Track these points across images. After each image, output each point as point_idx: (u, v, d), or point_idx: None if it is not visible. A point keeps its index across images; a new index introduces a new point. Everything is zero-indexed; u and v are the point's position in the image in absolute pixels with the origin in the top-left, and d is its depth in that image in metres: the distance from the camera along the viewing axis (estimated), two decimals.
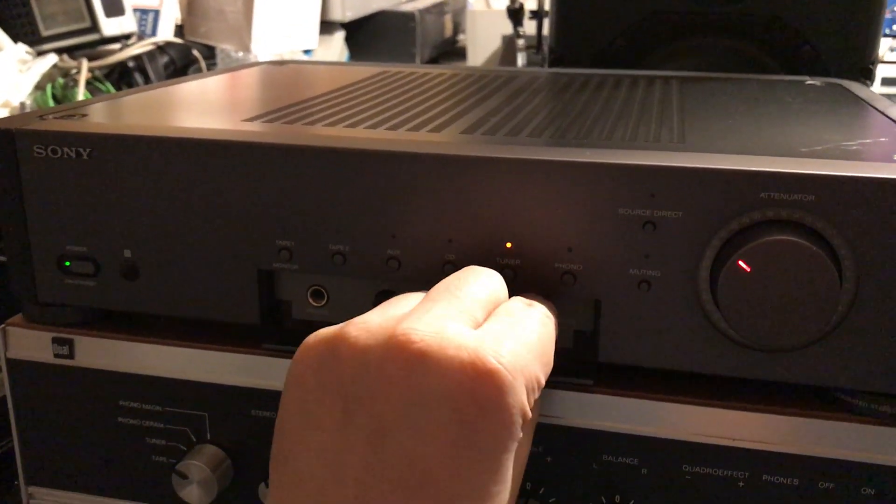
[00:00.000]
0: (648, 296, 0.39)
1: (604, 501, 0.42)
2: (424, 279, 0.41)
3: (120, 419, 0.48)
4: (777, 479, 0.40)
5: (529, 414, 0.32)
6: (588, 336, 0.42)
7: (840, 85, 0.63)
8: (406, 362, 0.30)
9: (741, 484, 0.40)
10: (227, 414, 0.46)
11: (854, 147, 0.41)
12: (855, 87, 0.62)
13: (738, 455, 0.40)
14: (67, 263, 0.46)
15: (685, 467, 0.41)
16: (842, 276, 0.36)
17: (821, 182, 0.36)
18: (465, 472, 0.30)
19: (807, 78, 0.67)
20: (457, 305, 0.34)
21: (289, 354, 0.43)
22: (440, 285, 0.35)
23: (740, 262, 0.36)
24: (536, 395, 0.33)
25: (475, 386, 0.30)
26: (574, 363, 0.42)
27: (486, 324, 0.34)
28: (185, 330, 0.47)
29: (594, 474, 0.42)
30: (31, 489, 0.50)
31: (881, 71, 1.90)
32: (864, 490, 0.39)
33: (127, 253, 0.45)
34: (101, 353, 0.47)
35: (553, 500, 0.43)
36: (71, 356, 0.47)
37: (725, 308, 0.37)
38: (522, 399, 0.31)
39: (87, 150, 0.43)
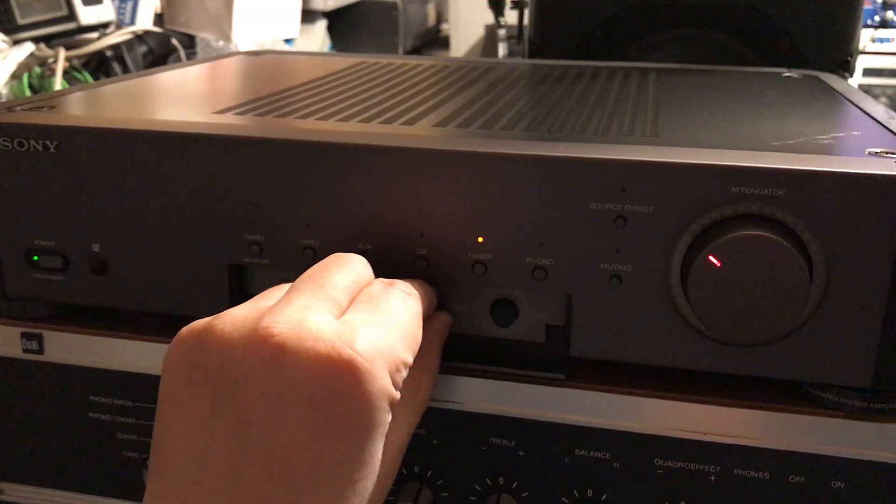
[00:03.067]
0: (620, 290, 0.39)
1: (576, 495, 0.42)
2: (394, 274, 0.41)
3: (90, 414, 0.47)
4: (748, 473, 0.40)
5: (396, 395, 0.33)
6: (560, 330, 0.42)
7: (817, 77, 0.63)
8: (266, 355, 0.31)
9: (712, 478, 0.40)
10: None
11: (827, 141, 0.41)
12: (832, 79, 0.62)
13: (709, 449, 0.40)
14: (35, 258, 0.45)
15: (657, 461, 0.41)
16: (812, 272, 0.36)
17: (791, 176, 0.36)
18: (327, 460, 0.31)
19: (784, 70, 0.67)
20: (319, 295, 0.34)
21: None
22: (305, 275, 0.36)
23: (710, 257, 0.36)
24: (403, 374, 0.34)
25: (332, 376, 0.31)
26: (546, 357, 0.42)
27: (348, 311, 0.35)
28: (156, 324, 0.46)
29: (566, 468, 0.42)
30: (1, 485, 0.50)
31: (863, 61, 1.91)
32: (835, 483, 0.39)
33: (95, 247, 0.44)
34: (70, 347, 0.46)
35: (525, 494, 0.43)
36: (40, 351, 0.47)
37: (696, 303, 0.37)
38: (383, 384, 0.32)
39: (54, 143, 0.43)
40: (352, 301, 0.36)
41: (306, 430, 0.31)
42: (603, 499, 0.42)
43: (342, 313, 0.34)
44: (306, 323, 0.32)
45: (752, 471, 0.40)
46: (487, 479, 0.43)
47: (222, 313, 0.34)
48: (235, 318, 0.33)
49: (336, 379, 0.31)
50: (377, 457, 0.33)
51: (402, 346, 0.34)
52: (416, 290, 0.38)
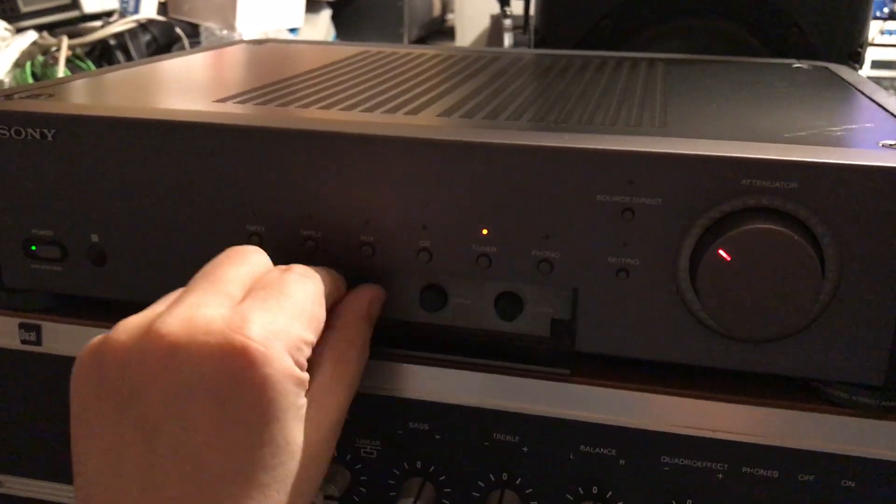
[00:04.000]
0: (627, 284, 0.38)
1: (581, 492, 0.42)
2: (398, 266, 0.40)
3: None
4: (757, 472, 0.39)
5: (301, 375, 0.33)
6: (565, 325, 0.41)
7: (827, 68, 0.62)
8: (161, 356, 0.32)
9: (720, 476, 0.40)
10: None
11: (839, 133, 0.40)
12: (843, 70, 0.61)
13: (717, 447, 0.39)
14: (34, 248, 0.44)
15: (663, 458, 0.40)
16: (824, 266, 0.35)
17: (803, 169, 0.35)
18: (237, 450, 0.32)
19: (794, 61, 0.66)
20: (210, 291, 0.34)
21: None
22: (198, 273, 0.36)
23: (720, 251, 0.35)
24: (305, 352, 0.34)
25: (227, 366, 0.31)
26: (551, 352, 0.41)
27: (244, 301, 0.34)
28: None
29: (571, 465, 0.41)
30: (0, 477, 0.49)
31: (871, 54, 1.89)
32: (845, 482, 0.39)
33: (94, 237, 0.44)
34: (69, 339, 0.46)
35: (529, 490, 0.42)
36: (38, 342, 0.46)
37: (705, 297, 0.36)
38: (282, 365, 0.32)
39: (52, 131, 0.42)
40: (247, 292, 0.35)
41: (211, 424, 0.31)
42: (608, 496, 0.41)
43: (237, 304, 0.34)
44: (196, 319, 0.32)
45: (761, 469, 0.39)
46: (491, 475, 0.42)
47: (117, 324, 0.34)
48: (128, 326, 0.34)
49: (232, 367, 0.31)
50: (295, 439, 0.33)
51: (299, 326, 0.34)
52: (316, 271, 0.38)
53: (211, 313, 0.33)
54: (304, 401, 0.34)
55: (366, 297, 0.41)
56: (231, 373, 0.31)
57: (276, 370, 0.32)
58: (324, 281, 0.38)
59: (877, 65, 1.93)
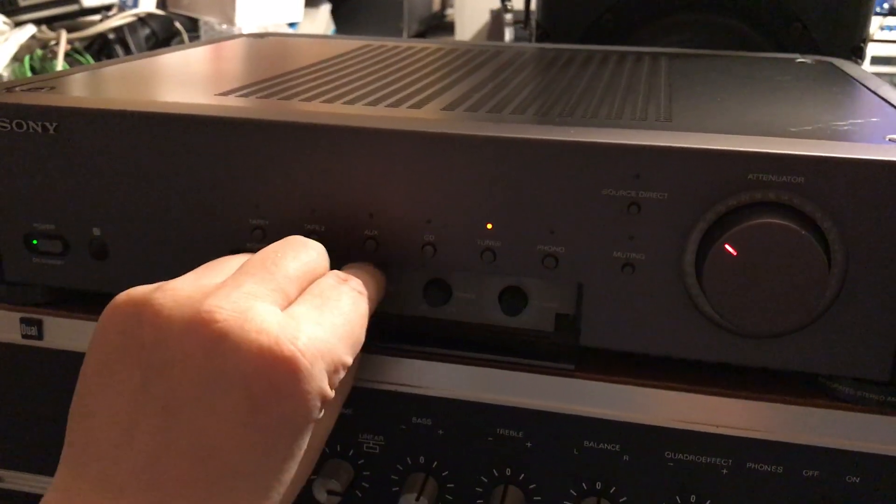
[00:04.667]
0: (632, 279, 0.38)
1: (584, 488, 0.41)
2: (402, 260, 0.40)
3: None
4: (761, 467, 0.39)
5: (330, 395, 0.33)
6: (570, 320, 0.41)
7: (831, 63, 0.62)
8: (206, 340, 0.31)
9: (724, 471, 0.40)
10: None
11: (845, 127, 0.40)
12: (846, 65, 0.61)
13: (721, 442, 0.39)
14: (35, 242, 0.44)
15: (667, 454, 0.40)
16: (830, 261, 0.35)
17: (810, 163, 0.35)
18: (254, 452, 0.31)
19: (797, 56, 0.65)
20: (268, 282, 0.33)
21: None
22: (256, 257, 0.35)
23: (727, 246, 0.35)
24: (341, 375, 0.34)
25: (271, 371, 0.31)
26: (555, 347, 0.41)
27: (295, 303, 0.34)
28: None
29: (575, 460, 0.41)
30: (1, 472, 0.49)
31: (871, 49, 1.88)
32: (849, 478, 0.39)
33: (96, 231, 0.43)
34: (70, 333, 0.45)
35: (532, 486, 0.42)
36: (40, 337, 0.46)
37: (711, 292, 0.36)
38: (321, 384, 0.32)
39: (54, 124, 0.42)
40: (301, 291, 0.35)
41: (238, 420, 0.31)
42: (612, 491, 0.41)
43: (289, 304, 0.34)
44: (251, 312, 0.31)
45: (765, 464, 0.39)
46: (494, 471, 0.42)
47: (163, 284, 0.33)
48: (178, 294, 0.32)
49: (275, 374, 0.31)
50: (303, 451, 0.33)
51: (343, 348, 0.34)
52: (369, 287, 0.38)
53: (266, 311, 0.32)
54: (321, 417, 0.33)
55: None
56: (273, 378, 0.31)
57: (313, 388, 0.31)
58: (374, 296, 0.38)
59: (876, 61, 1.93)
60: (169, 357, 0.31)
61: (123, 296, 0.33)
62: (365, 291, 0.37)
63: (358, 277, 0.38)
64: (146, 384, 0.31)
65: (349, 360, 0.34)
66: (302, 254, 0.36)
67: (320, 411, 0.32)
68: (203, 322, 0.31)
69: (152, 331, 0.32)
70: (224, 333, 0.31)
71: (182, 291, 0.32)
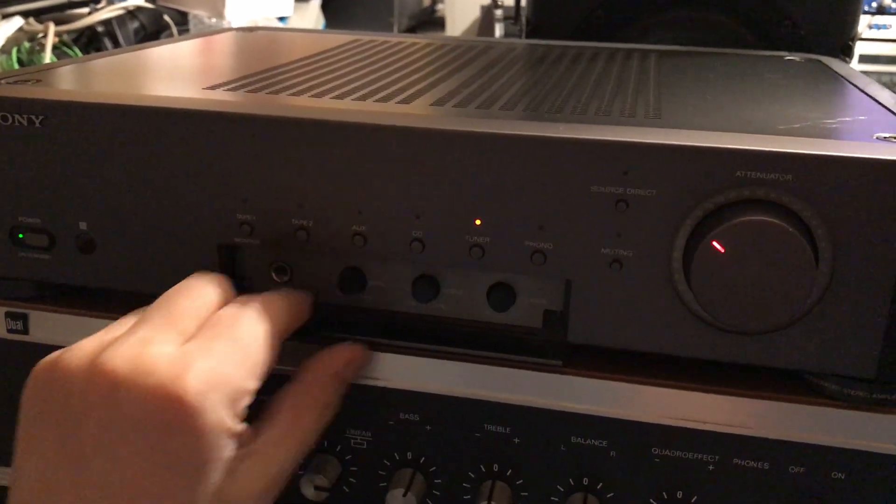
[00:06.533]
0: (620, 276, 0.38)
1: (571, 484, 0.42)
2: (391, 256, 0.40)
3: None
4: (747, 463, 0.39)
5: (235, 427, 0.34)
6: (558, 316, 0.41)
7: (820, 61, 0.62)
8: (103, 390, 0.32)
9: (711, 467, 0.40)
10: None
11: (833, 125, 0.40)
12: (835, 63, 0.61)
13: (708, 438, 0.39)
14: (21, 235, 0.44)
15: (654, 450, 0.40)
16: (817, 259, 0.35)
17: (798, 161, 0.35)
18: (162, 493, 0.32)
19: (786, 53, 0.65)
20: (162, 325, 0.35)
21: None
22: (155, 303, 0.37)
23: (714, 243, 0.35)
24: (244, 402, 0.34)
25: (162, 411, 0.32)
26: (543, 343, 0.41)
27: (193, 339, 0.35)
28: (144, 305, 0.45)
29: (562, 456, 0.41)
30: None
31: (860, 48, 1.89)
32: (835, 474, 0.39)
33: (83, 225, 0.43)
34: (56, 328, 0.45)
35: (520, 482, 0.42)
36: (25, 331, 0.46)
37: (698, 289, 0.36)
38: (216, 417, 0.33)
39: (40, 117, 0.42)
40: (199, 328, 0.36)
41: (143, 465, 0.32)
42: (599, 487, 0.41)
43: (188, 339, 0.35)
44: (141, 357, 0.33)
45: (752, 461, 0.39)
46: (481, 466, 0.42)
47: (74, 345, 0.35)
48: (82, 351, 0.34)
49: (167, 415, 0.32)
50: (223, 489, 0.33)
51: (242, 374, 0.34)
52: (274, 305, 0.38)
53: (156, 353, 0.33)
54: (235, 452, 0.34)
55: (342, 357, 0.40)
56: (166, 419, 0.32)
57: (208, 422, 0.32)
58: (281, 316, 0.38)
59: (864, 59, 1.93)
60: (76, 413, 0.33)
61: (40, 363, 0.35)
62: (268, 311, 0.37)
63: (264, 299, 0.38)
64: (63, 442, 0.33)
65: (251, 384, 0.35)
66: (197, 291, 0.37)
67: (227, 446, 0.33)
68: (99, 374, 0.32)
69: (61, 391, 0.33)
70: (118, 382, 0.32)
71: (84, 349, 0.34)
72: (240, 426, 0.34)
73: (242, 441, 0.35)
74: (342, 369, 0.40)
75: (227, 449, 0.33)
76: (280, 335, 0.37)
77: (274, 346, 0.37)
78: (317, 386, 0.39)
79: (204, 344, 0.34)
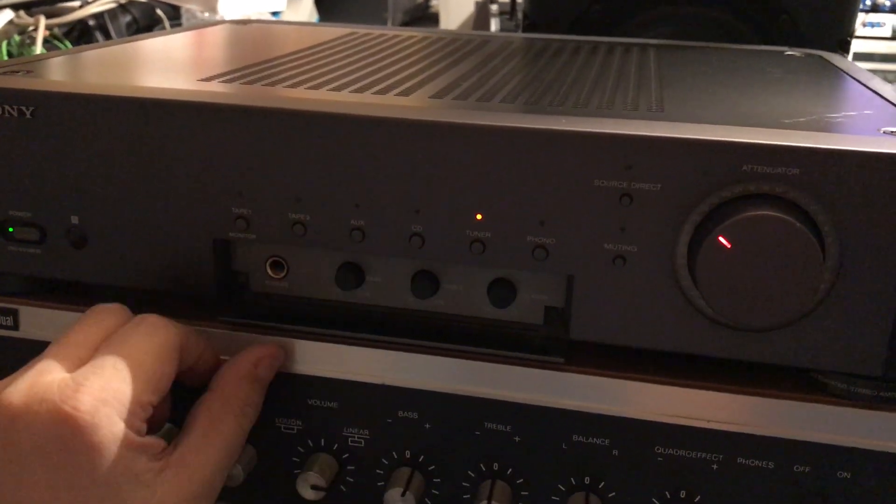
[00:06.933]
0: (623, 271, 0.37)
1: (573, 483, 0.41)
2: (389, 251, 0.39)
3: None
4: (752, 462, 0.39)
5: (136, 439, 0.34)
6: (560, 312, 0.40)
7: (820, 56, 0.61)
8: (4, 422, 0.33)
9: (715, 466, 0.39)
10: (181, 390, 0.44)
11: (839, 119, 0.40)
12: (835, 58, 0.60)
13: (712, 437, 0.39)
14: (11, 229, 0.43)
15: (658, 449, 0.40)
16: (824, 254, 0.35)
17: (806, 155, 0.34)
18: None
19: (786, 48, 0.65)
20: (57, 354, 0.36)
21: (246, 328, 0.42)
22: (58, 338, 0.37)
23: (720, 238, 0.34)
24: (142, 414, 0.35)
25: (58, 434, 0.33)
26: (544, 340, 0.40)
27: (87, 364, 0.35)
28: (137, 301, 0.44)
29: (563, 455, 0.41)
30: None
31: (853, 45, 1.89)
32: (840, 473, 0.38)
33: (74, 219, 0.42)
34: (47, 324, 0.44)
35: (521, 480, 0.41)
36: (15, 327, 0.45)
37: (704, 285, 0.35)
38: (112, 431, 0.33)
39: (31, 108, 0.41)
40: (96, 350, 0.36)
41: (47, 489, 0.33)
42: (601, 486, 0.41)
43: (82, 365, 0.35)
44: (35, 388, 0.34)
45: (756, 460, 0.39)
46: (481, 465, 0.42)
47: None
48: None
49: (62, 436, 0.33)
50: (131, 501, 0.34)
51: (135, 387, 0.35)
52: (168, 320, 0.38)
53: (49, 380, 0.34)
54: (145, 465, 0.34)
55: (251, 358, 0.40)
56: (62, 441, 0.33)
57: (104, 437, 0.33)
58: (178, 333, 0.38)
59: (858, 57, 1.93)
60: None
61: None
62: (159, 327, 0.37)
63: (157, 316, 0.38)
64: None
65: (146, 397, 0.35)
66: (90, 318, 0.38)
67: (134, 459, 0.34)
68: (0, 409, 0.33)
69: None
70: (15, 414, 0.33)
71: None
72: (144, 438, 0.35)
73: (156, 453, 0.35)
74: (254, 370, 0.40)
75: (134, 461, 0.34)
76: (175, 347, 0.37)
77: (170, 360, 0.37)
78: (229, 390, 0.39)
79: (97, 363, 0.35)
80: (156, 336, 0.37)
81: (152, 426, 0.36)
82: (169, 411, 0.41)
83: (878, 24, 1.97)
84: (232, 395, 0.39)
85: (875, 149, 0.34)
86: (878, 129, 0.37)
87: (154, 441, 0.35)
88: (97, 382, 0.34)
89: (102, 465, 0.33)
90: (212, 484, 0.37)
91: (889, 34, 1.94)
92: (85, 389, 0.33)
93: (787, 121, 0.39)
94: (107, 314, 0.38)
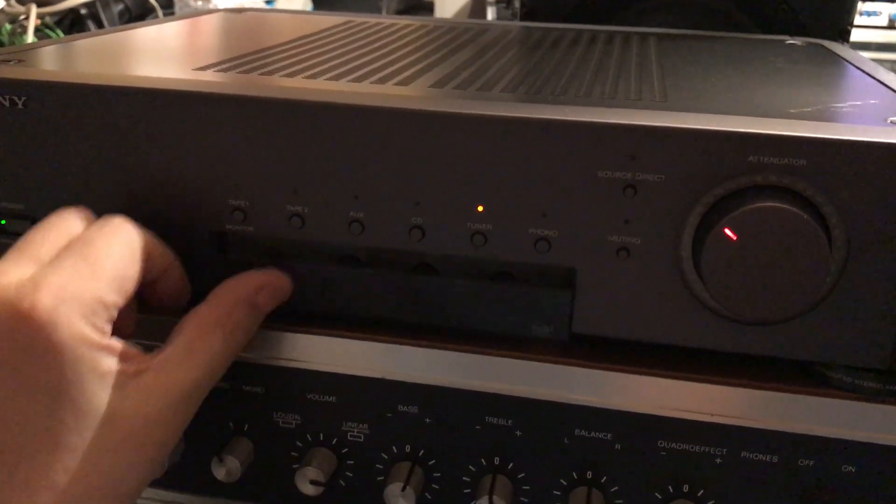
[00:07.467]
0: (627, 264, 0.37)
1: (575, 477, 0.40)
2: (389, 244, 0.39)
3: None
4: (756, 456, 0.38)
5: (98, 339, 0.33)
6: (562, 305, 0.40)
7: (822, 45, 0.61)
8: None
9: (718, 460, 0.39)
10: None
11: (845, 109, 0.39)
12: (837, 47, 0.60)
13: (715, 431, 0.38)
14: (3, 222, 0.42)
15: (660, 443, 0.39)
16: (831, 246, 0.34)
17: (813, 145, 0.34)
18: (34, 415, 0.32)
19: (787, 37, 0.64)
20: (15, 257, 0.34)
21: None
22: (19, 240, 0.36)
23: (726, 230, 0.34)
24: (104, 315, 0.33)
25: (16, 333, 0.31)
26: (546, 333, 0.40)
27: (47, 264, 0.34)
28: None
29: (566, 449, 0.40)
30: None
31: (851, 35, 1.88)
32: (845, 468, 0.38)
33: None
34: None
35: (522, 475, 0.41)
36: None
37: (709, 278, 0.35)
38: (74, 330, 0.32)
39: (22, 98, 0.40)
40: (59, 251, 0.35)
41: (7, 391, 0.32)
42: (603, 481, 0.40)
43: (42, 266, 0.34)
44: None
45: (760, 454, 0.38)
46: (482, 460, 0.41)
47: None
48: None
49: (20, 336, 0.31)
50: (100, 405, 0.33)
51: (97, 286, 0.33)
52: (140, 228, 0.37)
53: (6, 282, 0.32)
54: (112, 366, 0.33)
55: (254, 282, 0.39)
56: (21, 341, 0.31)
57: (64, 336, 0.32)
58: (144, 236, 0.37)
59: (855, 46, 1.92)
60: None
61: None
62: (125, 229, 0.36)
63: (123, 216, 0.37)
64: None
65: (109, 297, 0.34)
66: (51, 221, 0.36)
67: (97, 359, 0.32)
68: None
69: None
70: None
71: None
72: (110, 340, 0.33)
73: (126, 357, 0.34)
74: (254, 296, 0.38)
75: (98, 361, 0.33)
76: (141, 249, 0.36)
77: (135, 262, 0.36)
78: (224, 308, 0.37)
79: (58, 262, 0.34)
80: (120, 236, 0.36)
81: (123, 333, 0.35)
82: (133, 325, 0.39)
83: (875, 13, 1.97)
84: (225, 315, 0.37)
85: (883, 139, 0.34)
86: (886, 119, 0.37)
87: (121, 344, 0.34)
88: (56, 281, 0.32)
89: (63, 365, 0.32)
90: (189, 399, 0.36)
91: (886, 23, 1.94)
92: (43, 287, 0.32)
93: (792, 111, 0.38)
94: (69, 216, 0.37)
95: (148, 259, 0.37)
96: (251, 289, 0.39)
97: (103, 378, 0.33)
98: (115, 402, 0.33)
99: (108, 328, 0.34)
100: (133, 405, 0.33)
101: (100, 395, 0.33)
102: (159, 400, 0.34)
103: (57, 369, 0.32)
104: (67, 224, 0.36)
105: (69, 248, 0.35)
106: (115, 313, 0.34)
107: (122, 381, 0.33)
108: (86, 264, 0.34)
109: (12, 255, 0.35)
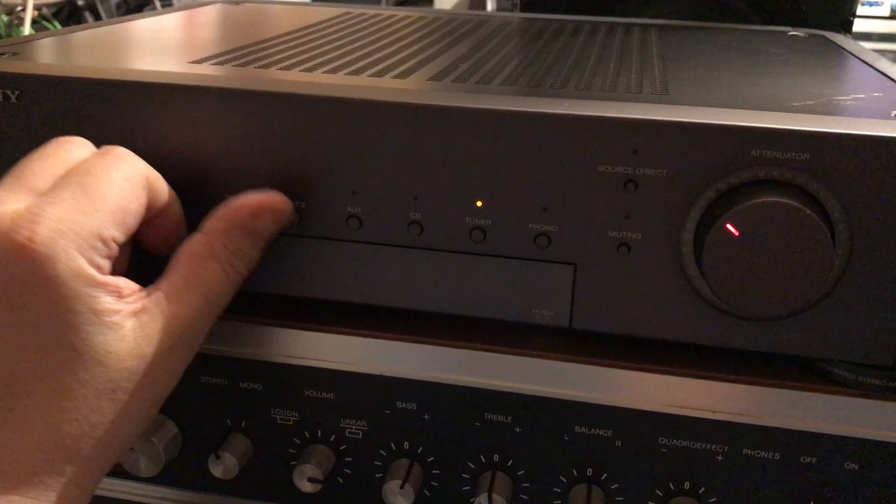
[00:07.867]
0: (628, 260, 0.36)
1: (575, 474, 0.40)
2: (387, 239, 0.38)
3: None
4: (757, 453, 0.38)
5: (97, 276, 0.32)
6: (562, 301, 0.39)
7: (824, 37, 0.60)
8: None
9: (720, 457, 0.38)
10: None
11: (849, 102, 0.39)
12: (840, 38, 0.59)
13: (717, 427, 0.38)
14: None
15: (661, 440, 0.39)
16: (834, 241, 0.34)
17: (816, 139, 0.33)
18: (31, 352, 0.31)
19: (789, 29, 0.64)
20: (11, 186, 0.33)
21: (239, 319, 0.41)
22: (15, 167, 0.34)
23: (728, 225, 0.33)
24: (104, 250, 0.32)
25: (13, 267, 0.30)
26: (546, 330, 0.39)
27: (45, 194, 0.32)
28: None
29: (565, 446, 0.40)
30: None
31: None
32: (848, 465, 0.37)
33: None
34: None
35: (521, 472, 0.41)
36: None
37: (710, 274, 0.34)
38: (72, 265, 0.31)
39: (16, 92, 0.39)
40: (57, 181, 0.33)
41: (4, 326, 0.31)
42: (603, 478, 0.40)
43: (39, 196, 0.32)
44: None
45: (762, 451, 0.38)
46: (482, 457, 0.41)
47: None
48: None
49: (17, 269, 0.30)
50: (98, 345, 0.31)
51: (97, 219, 0.32)
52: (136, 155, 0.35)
53: (1, 211, 0.31)
54: (109, 305, 0.32)
55: (250, 204, 0.37)
56: (16, 275, 0.30)
57: (61, 271, 0.31)
58: (146, 168, 0.35)
59: (857, 36, 1.91)
60: None
61: None
62: (127, 160, 0.35)
63: (124, 148, 0.36)
64: None
65: (109, 231, 0.32)
66: (49, 148, 0.35)
67: (93, 297, 0.31)
68: None
69: None
70: None
71: None
72: (107, 277, 0.32)
73: (123, 295, 0.32)
74: (251, 221, 0.36)
75: (95, 300, 0.31)
76: (142, 183, 0.35)
77: (137, 196, 0.34)
78: (219, 238, 0.36)
79: (53, 194, 0.32)
80: (122, 167, 0.34)
81: (116, 273, 0.33)
82: (127, 262, 0.37)
83: (877, 3, 1.96)
84: (219, 244, 0.36)
85: (888, 133, 0.33)
86: (891, 113, 0.36)
87: (119, 281, 0.32)
88: (55, 213, 0.31)
89: (60, 302, 0.31)
90: (191, 334, 0.35)
91: (888, 13, 1.93)
92: (41, 220, 0.31)
93: (795, 104, 0.38)
94: (68, 144, 0.35)
95: (150, 190, 0.35)
96: (245, 214, 0.36)
97: (99, 317, 0.31)
98: (112, 344, 0.32)
99: (107, 265, 0.32)
100: (130, 345, 0.32)
101: (96, 336, 0.31)
102: (157, 339, 0.33)
103: (52, 307, 0.31)
104: (66, 151, 0.35)
105: (68, 177, 0.33)
106: (115, 249, 0.33)
107: (119, 320, 0.32)
108: (85, 196, 0.32)
109: (7, 182, 0.33)
